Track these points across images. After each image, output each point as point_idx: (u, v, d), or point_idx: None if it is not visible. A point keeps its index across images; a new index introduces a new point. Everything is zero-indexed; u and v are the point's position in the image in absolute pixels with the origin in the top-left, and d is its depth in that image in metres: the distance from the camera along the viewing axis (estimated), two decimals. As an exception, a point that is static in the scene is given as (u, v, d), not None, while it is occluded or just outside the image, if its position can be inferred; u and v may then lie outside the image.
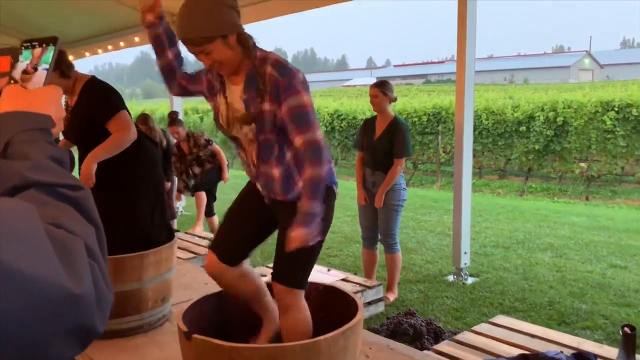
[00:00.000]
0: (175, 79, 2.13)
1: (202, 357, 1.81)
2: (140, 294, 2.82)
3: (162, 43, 2.08)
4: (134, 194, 2.93)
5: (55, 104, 0.75)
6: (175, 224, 6.17)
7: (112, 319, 2.75)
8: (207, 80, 2.07)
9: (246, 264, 2.22)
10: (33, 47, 0.82)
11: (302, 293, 2.05)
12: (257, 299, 2.23)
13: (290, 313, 2.03)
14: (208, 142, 6.03)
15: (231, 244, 2.16)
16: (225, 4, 1.82)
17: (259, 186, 2.12)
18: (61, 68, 2.80)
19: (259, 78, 1.88)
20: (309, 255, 2.02)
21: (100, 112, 2.80)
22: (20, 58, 0.82)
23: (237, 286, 2.19)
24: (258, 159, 2.00)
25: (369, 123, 4.27)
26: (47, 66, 0.81)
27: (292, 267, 2.02)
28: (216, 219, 5.97)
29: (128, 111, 2.90)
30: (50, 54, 0.82)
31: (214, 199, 6.14)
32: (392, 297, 4.29)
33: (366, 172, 4.23)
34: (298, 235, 1.76)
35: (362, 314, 1.95)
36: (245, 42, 1.88)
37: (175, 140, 6.02)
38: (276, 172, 2.00)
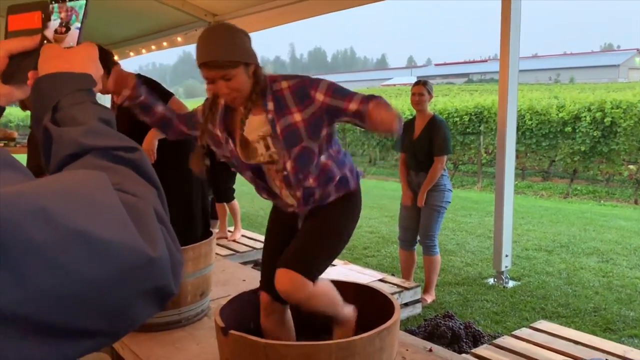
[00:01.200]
0: (173, 127, 2.11)
1: (238, 353, 1.82)
2: (179, 288, 2.86)
3: (147, 104, 2.06)
4: (180, 181, 3.08)
5: (94, 62, 0.73)
6: (216, 224, 6.22)
7: (152, 313, 2.80)
8: (208, 130, 2.02)
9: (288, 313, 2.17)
10: (63, 1, 0.78)
11: (311, 284, 1.86)
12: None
13: (310, 302, 1.91)
14: None
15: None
16: (247, 36, 1.87)
17: (291, 204, 2.04)
18: (109, 68, 2.91)
19: (277, 96, 1.88)
20: (332, 247, 1.98)
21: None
22: (53, 16, 0.78)
23: (289, 326, 2.16)
24: (293, 174, 1.91)
25: (408, 124, 4.23)
26: (79, 24, 0.77)
27: (308, 253, 1.91)
28: (236, 203, 5.63)
29: None
30: (81, 10, 0.78)
31: (233, 181, 5.62)
32: (429, 299, 4.23)
33: (410, 174, 4.22)
34: (389, 115, 1.71)
35: (399, 314, 1.92)
36: (259, 76, 1.89)
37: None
38: (313, 180, 1.94)
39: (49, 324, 0.45)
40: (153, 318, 2.79)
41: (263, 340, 1.73)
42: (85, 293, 0.47)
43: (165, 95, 3.03)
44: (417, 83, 4.19)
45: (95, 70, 0.73)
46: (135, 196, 0.55)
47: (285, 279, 1.85)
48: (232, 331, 1.81)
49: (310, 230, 1.99)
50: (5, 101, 0.78)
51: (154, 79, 3.14)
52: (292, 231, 2.08)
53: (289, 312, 2.16)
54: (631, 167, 9.79)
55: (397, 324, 1.90)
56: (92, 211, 0.48)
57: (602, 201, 9.71)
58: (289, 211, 2.07)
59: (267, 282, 2.03)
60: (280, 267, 1.88)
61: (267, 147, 1.93)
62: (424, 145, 4.05)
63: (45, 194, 0.47)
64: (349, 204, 2.04)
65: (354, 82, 54.70)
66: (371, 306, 2.13)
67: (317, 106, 1.85)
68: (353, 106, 1.81)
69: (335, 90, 1.85)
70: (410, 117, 4.36)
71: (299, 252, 1.91)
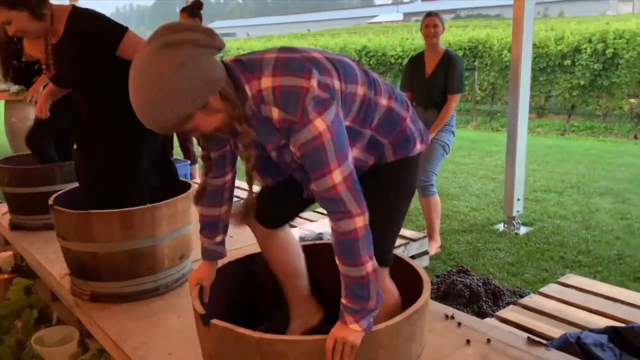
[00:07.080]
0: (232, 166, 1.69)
1: (223, 348, 1.39)
2: (154, 252, 2.46)
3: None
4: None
5: None
6: (196, 169, 5.70)
7: (122, 281, 2.39)
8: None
9: (290, 232, 1.79)
10: None
11: (387, 271, 1.60)
12: (291, 281, 1.78)
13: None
14: None
15: (276, 204, 1.72)
16: (195, 56, 1.23)
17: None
18: (31, 6, 2.26)
19: (267, 121, 1.36)
20: (396, 226, 1.64)
21: (105, 37, 2.34)
22: None
23: (273, 255, 1.77)
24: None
25: (416, 60, 3.91)
26: None
27: (376, 242, 1.48)
28: None
29: None
30: None
31: None
32: (435, 246, 3.85)
33: (418, 110, 3.79)
34: (345, 336, 1.29)
35: (429, 291, 1.50)
36: (230, 95, 1.31)
37: None
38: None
39: None
40: (124, 287, 2.41)
41: (256, 334, 1.30)
42: None
43: (118, 32, 2.36)
44: (429, 14, 3.83)
45: None
46: None
47: None
48: (215, 321, 1.38)
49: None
50: None
51: (132, 22, 2.49)
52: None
53: (289, 236, 1.78)
54: (632, 100, 9.39)
55: (427, 304, 1.48)
56: None
57: (600, 137, 9.35)
58: None
59: (261, 203, 1.70)
60: None
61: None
62: (438, 82, 3.72)
63: None
64: (404, 171, 1.61)
65: (339, 20, 52.96)
66: (393, 278, 1.67)
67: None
68: (313, 189, 1.36)
69: (308, 153, 1.32)
70: (413, 53, 3.90)
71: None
